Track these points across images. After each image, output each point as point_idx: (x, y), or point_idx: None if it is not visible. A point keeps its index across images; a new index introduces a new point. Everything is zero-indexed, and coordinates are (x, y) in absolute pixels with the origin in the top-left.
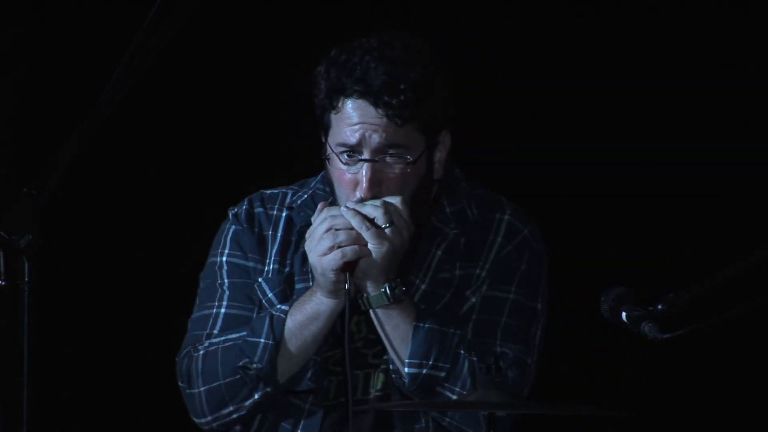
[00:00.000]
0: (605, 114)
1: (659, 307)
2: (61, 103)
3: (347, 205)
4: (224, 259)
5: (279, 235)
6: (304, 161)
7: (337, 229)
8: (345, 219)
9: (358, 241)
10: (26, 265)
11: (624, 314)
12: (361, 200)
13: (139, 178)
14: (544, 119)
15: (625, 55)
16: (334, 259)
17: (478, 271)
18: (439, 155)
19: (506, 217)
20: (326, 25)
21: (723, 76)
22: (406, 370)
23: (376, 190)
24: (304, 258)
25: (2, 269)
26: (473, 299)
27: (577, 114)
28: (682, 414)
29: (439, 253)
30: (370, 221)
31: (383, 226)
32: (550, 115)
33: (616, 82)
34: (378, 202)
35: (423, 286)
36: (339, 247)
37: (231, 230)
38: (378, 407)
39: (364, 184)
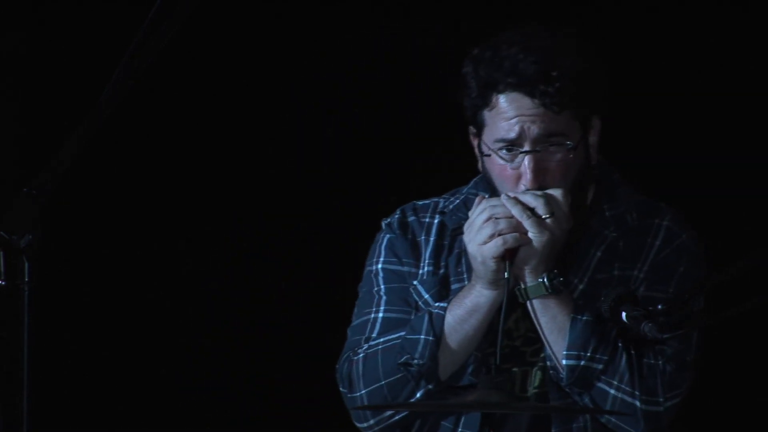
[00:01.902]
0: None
1: (659, 307)
2: (61, 103)
3: (507, 194)
4: (379, 266)
5: (432, 239)
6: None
7: (497, 218)
8: (505, 208)
9: (519, 229)
10: (26, 265)
11: (624, 314)
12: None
13: (139, 179)
14: None
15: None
16: (495, 246)
17: (636, 272)
18: (593, 140)
19: (665, 222)
20: (326, 25)
21: (734, 74)
22: (564, 362)
23: (540, 179)
24: (458, 259)
25: (2, 269)
26: None
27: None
28: (682, 414)
29: (598, 254)
30: (530, 210)
31: (544, 216)
32: None
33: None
34: (539, 192)
35: (581, 286)
36: (500, 234)
37: (385, 239)
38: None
39: (528, 176)
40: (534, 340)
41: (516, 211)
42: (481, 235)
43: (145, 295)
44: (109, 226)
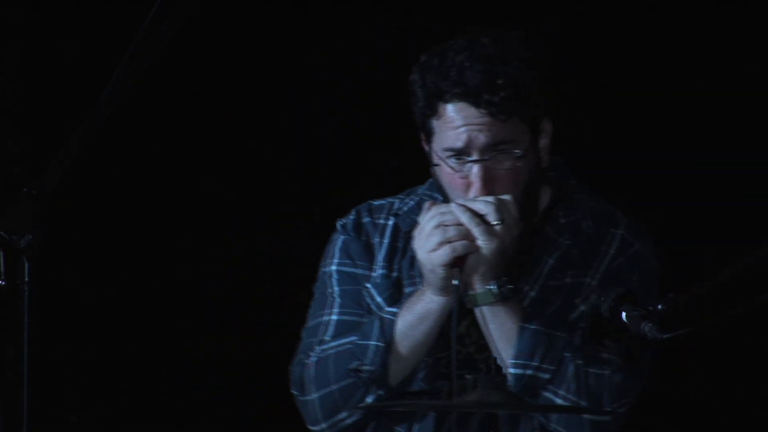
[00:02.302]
0: (605, 114)
1: (659, 307)
2: (61, 103)
3: (457, 201)
4: (334, 268)
5: (386, 241)
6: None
7: (446, 225)
8: (454, 215)
9: (468, 237)
10: (26, 265)
11: (624, 314)
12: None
13: (139, 179)
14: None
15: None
16: (444, 254)
17: (588, 279)
18: (543, 143)
19: (620, 231)
20: (329, 26)
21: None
22: (510, 370)
23: (489, 188)
24: (412, 262)
25: (2, 269)
26: (582, 307)
27: (576, 113)
28: (682, 414)
29: (551, 261)
30: (480, 217)
31: (494, 222)
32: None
33: (616, 81)
34: (490, 198)
35: (532, 293)
36: (449, 242)
37: (340, 240)
38: (374, 407)
39: (477, 184)
40: (486, 347)
41: (465, 218)
42: (430, 242)
43: (145, 295)
44: (110, 226)
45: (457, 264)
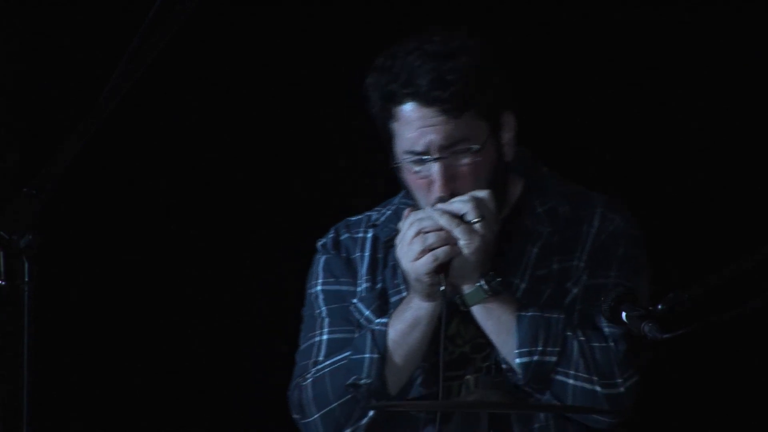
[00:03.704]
0: (604, 112)
1: (659, 307)
2: (61, 103)
3: (436, 206)
4: (319, 288)
5: (366, 254)
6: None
7: (425, 232)
8: (432, 220)
9: (449, 241)
10: (26, 265)
11: (624, 314)
12: (440, 199)
13: (139, 179)
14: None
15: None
16: (427, 262)
17: (575, 262)
18: (506, 137)
19: (598, 209)
20: (332, 26)
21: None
22: (516, 361)
23: (451, 186)
24: (394, 271)
25: (2, 269)
26: (575, 290)
27: (575, 112)
28: (682, 414)
29: (535, 250)
30: (458, 218)
31: (474, 220)
32: (551, 106)
33: (612, 79)
34: (466, 197)
35: (523, 285)
36: (430, 249)
37: (321, 260)
38: (378, 407)
39: (438, 183)
40: (483, 345)
41: (444, 222)
42: (411, 251)
43: (145, 294)
44: (110, 226)
45: (442, 270)
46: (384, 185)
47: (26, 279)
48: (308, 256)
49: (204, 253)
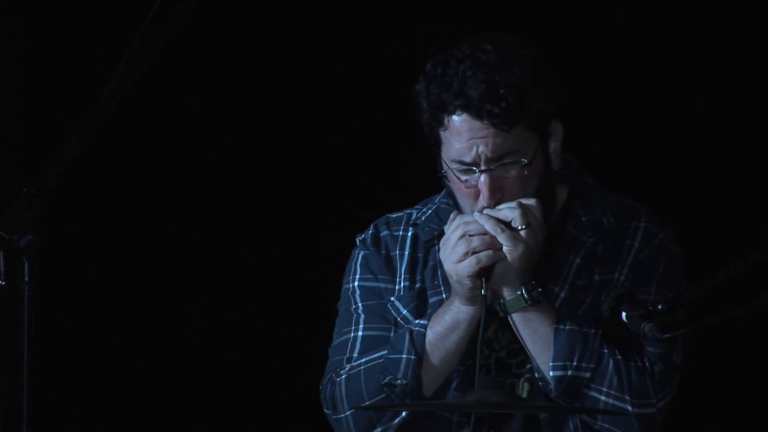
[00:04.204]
0: (603, 112)
1: (659, 307)
2: (61, 103)
3: (484, 211)
4: (356, 284)
5: (406, 253)
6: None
7: (471, 235)
8: (478, 224)
9: (493, 245)
10: (26, 265)
11: (624, 314)
12: (482, 208)
13: (139, 178)
14: None
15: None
16: (470, 265)
17: (616, 275)
18: (554, 146)
19: (642, 224)
20: (342, 25)
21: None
22: (551, 373)
23: (498, 197)
24: (434, 272)
25: (2, 269)
26: None
27: (575, 112)
28: (682, 414)
29: (577, 260)
30: (505, 224)
31: (520, 227)
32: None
33: (610, 81)
34: (514, 204)
35: (563, 294)
36: (473, 252)
37: (360, 255)
38: (375, 407)
39: (485, 194)
40: (518, 351)
41: (489, 226)
42: (455, 253)
43: (145, 294)
44: (109, 226)
45: (484, 274)
46: (382, 188)
47: (26, 279)
48: (308, 255)
49: (204, 253)
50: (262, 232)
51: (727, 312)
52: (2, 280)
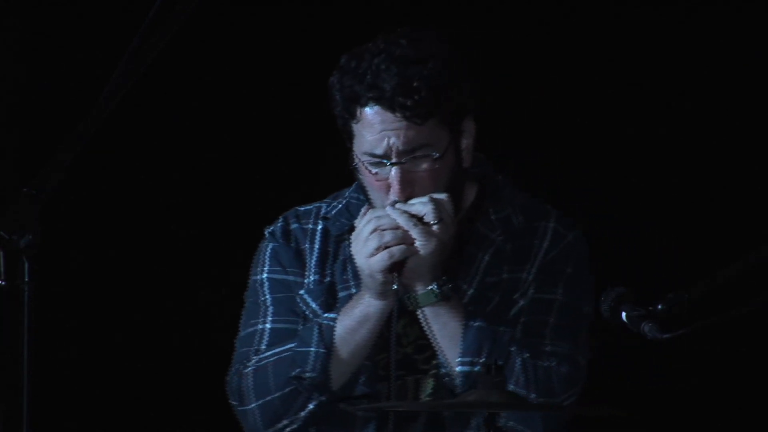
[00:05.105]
0: (603, 111)
1: (659, 307)
2: (61, 103)
3: (396, 205)
4: (264, 276)
5: (316, 246)
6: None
7: (383, 230)
8: (391, 219)
9: (405, 240)
10: (26, 265)
11: (624, 314)
12: (396, 203)
13: (140, 178)
14: (543, 116)
15: (621, 49)
16: (382, 259)
17: (525, 274)
18: (466, 143)
19: (551, 224)
20: (331, 27)
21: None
22: (457, 369)
23: (408, 191)
24: (344, 266)
25: (2, 269)
26: (521, 302)
27: (575, 112)
28: (682, 414)
29: (486, 258)
30: (417, 218)
31: (432, 222)
32: (549, 111)
33: (609, 79)
34: (426, 199)
35: (471, 291)
36: (386, 247)
37: (269, 248)
38: (361, 408)
39: (395, 187)
40: (425, 347)
41: (402, 221)
42: (367, 247)
43: (145, 294)
44: (110, 226)
45: (396, 268)
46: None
47: (26, 279)
48: None
49: (204, 253)
50: (262, 232)
51: (727, 312)
52: (2, 280)
